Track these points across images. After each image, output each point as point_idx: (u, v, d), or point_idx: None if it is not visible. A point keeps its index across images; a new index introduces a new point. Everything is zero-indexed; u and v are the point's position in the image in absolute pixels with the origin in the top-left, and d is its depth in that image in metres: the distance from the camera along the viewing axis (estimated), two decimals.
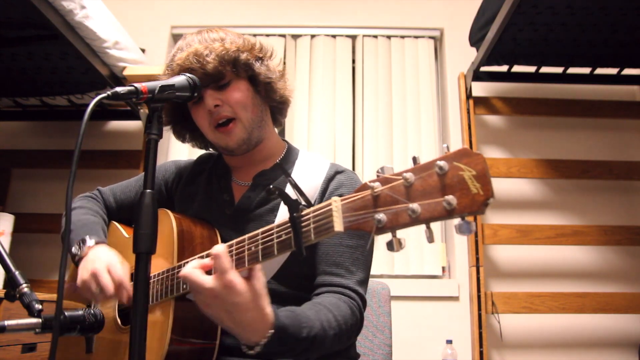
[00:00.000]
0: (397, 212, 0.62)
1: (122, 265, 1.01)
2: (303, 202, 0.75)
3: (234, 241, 0.84)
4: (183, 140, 1.26)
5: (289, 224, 0.75)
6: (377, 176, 0.66)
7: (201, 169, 1.26)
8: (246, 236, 0.82)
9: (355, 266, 1.05)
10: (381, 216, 0.64)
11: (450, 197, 0.58)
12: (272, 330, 0.79)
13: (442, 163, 0.60)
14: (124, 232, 1.21)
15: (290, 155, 1.22)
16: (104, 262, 1.00)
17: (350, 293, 1.02)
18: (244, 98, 1.11)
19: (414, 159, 0.64)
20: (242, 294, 0.75)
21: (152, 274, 0.99)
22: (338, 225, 0.68)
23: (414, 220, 0.61)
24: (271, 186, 0.74)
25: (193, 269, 0.78)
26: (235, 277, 0.75)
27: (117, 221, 1.28)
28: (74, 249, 1.10)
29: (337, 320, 0.93)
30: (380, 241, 2.48)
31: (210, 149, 1.29)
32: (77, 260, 1.08)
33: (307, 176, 1.14)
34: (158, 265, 1.01)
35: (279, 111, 1.23)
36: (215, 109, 1.09)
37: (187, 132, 1.24)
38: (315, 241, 0.73)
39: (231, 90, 1.10)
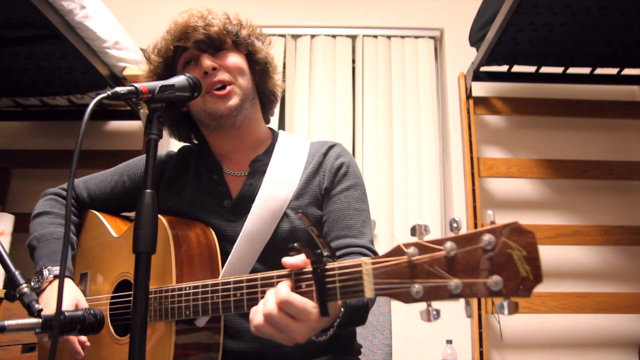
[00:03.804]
0: (437, 287, 0.58)
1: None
2: (326, 253, 0.69)
3: (245, 278, 0.81)
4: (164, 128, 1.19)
5: (309, 274, 0.71)
6: (411, 235, 0.61)
7: (185, 164, 1.20)
8: (259, 276, 0.79)
9: (365, 228, 1.07)
10: (418, 288, 0.59)
11: (496, 278, 0.54)
12: (343, 308, 0.79)
13: (489, 238, 0.55)
14: (112, 231, 1.14)
15: (276, 138, 1.20)
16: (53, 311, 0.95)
17: (368, 252, 1.03)
18: (242, 66, 1.10)
19: (454, 222, 0.59)
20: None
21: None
22: (369, 292, 0.64)
23: (454, 296, 0.57)
24: (295, 244, 0.69)
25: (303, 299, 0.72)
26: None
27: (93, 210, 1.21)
28: (32, 282, 1.05)
29: None
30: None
31: (188, 142, 1.24)
32: (37, 294, 1.02)
33: (291, 154, 1.13)
34: (152, 276, 0.96)
35: (269, 104, 1.21)
36: (213, 72, 1.05)
37: (168, 120, 1.18)
38: (339, 300, 0.68)
39: (230, 57, 1.09)
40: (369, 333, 1.59)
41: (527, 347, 2.35)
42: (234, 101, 1.06)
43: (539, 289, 2.07)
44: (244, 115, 1.09)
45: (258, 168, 1.12)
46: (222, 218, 1.08)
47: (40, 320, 0.84)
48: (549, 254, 2.42)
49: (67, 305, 0.98)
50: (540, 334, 2.36)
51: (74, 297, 1.01)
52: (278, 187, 1.07)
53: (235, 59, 1.09)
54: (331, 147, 1.15)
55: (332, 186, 1.09)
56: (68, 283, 1.04)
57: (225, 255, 1.03)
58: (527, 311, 2.28)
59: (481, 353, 2.20)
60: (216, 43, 1.07)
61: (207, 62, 1.05)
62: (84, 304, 1.02)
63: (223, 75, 1.06)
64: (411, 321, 2.32)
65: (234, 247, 1.02)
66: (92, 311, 0.92)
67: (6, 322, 0.81)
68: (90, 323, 0.91)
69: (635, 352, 2.33)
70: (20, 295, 0.89)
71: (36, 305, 0.88)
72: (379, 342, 1.58)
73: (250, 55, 1.13)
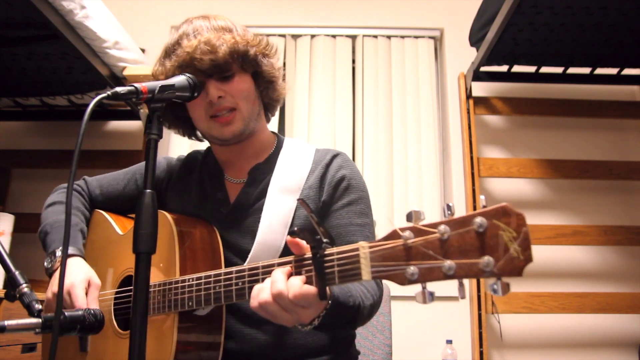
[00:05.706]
0: (431, 268, 0.60)
1: (88, 286, 1.00)
2: (325, 239, 0.72)
3: (247, 267, 0.83)
4: (167, 127, 1.20)
5: (308, 261, 0.73)
6: (407, 221, 0.63)
7: (191, 168, 1.22)
8: (260, 264, 0.81)
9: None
10: (413, 270, 0.61)
11: (488, 259, 0.56)
12: (330, 300, 0.80)
13: (480, 220, 0.58)
14: (118, 229, 1.16)
15: (280, 146, 1.20)
16: (67, 284, 0.99)
17: None
18: (247, 90, 1.10)
19: (448, 207, 0.61)
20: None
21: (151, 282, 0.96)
22: (366, 274, 0.66)
23: (448, 277, 0.59)
24: (295, 228, 0.72)
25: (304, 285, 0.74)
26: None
27: (103, 210, 1.23)
28: (45, 262, 1.08)
29: (369, 291, 0.97)
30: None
31: (194, 138, 1.25)
32: (49, 274, 1.07)
33: (295, 162, 1.13)
34: (156, 271, 0.98)
35: (271, 108, 1.22)
36: (218, 100, 1.06)
37: (171, 116, 1.18)
38: (338, 284, 0.70)
39: (236, 83, 1.08)
40: (369, 333, 1.59)
41: (527, 347, 2.35)
42: (237, 127, 1.08)
43: (539, 288, 2.07)
44: (247, 134, 1.12)
45: (257, 176, 1.13)
46: (220, 224, 1.10)
47: (40, 320, 0.84)
48: (549, 254, 2.43)
49: (80, 279, 1.00)
50: (540, 334, 2.36)
51: (86, 274, 1.03)
52: (284, 197, 1.08)
53: (241, 86, 1.09)
54: (334, 156, 1.15)
55: (331, 201, 1.09)
56: (80, 261, 1.06)
57: (225, 260, 1.04)
58: (527, 311, 2.28)
59: (481, 353, 2.21)
60: (222, 68, 1.07)
61: (213, 92, 1.05)
62: (95, 280, 1.03)
63: (228, 102, 1.07)
64: (411, 321, 2.33)
65: (249, 257, 1.03)
66: (92, 311, 0.93)
67: (6, 322, 0.81)
68: (90, 323, 0.92)
69: (635, 352, 2.33)
70: (20, 295, 0.90)
71: (36, 305, 0.88)
72: (379, 342, 1.58)
73: (257, 73, 1.14)
